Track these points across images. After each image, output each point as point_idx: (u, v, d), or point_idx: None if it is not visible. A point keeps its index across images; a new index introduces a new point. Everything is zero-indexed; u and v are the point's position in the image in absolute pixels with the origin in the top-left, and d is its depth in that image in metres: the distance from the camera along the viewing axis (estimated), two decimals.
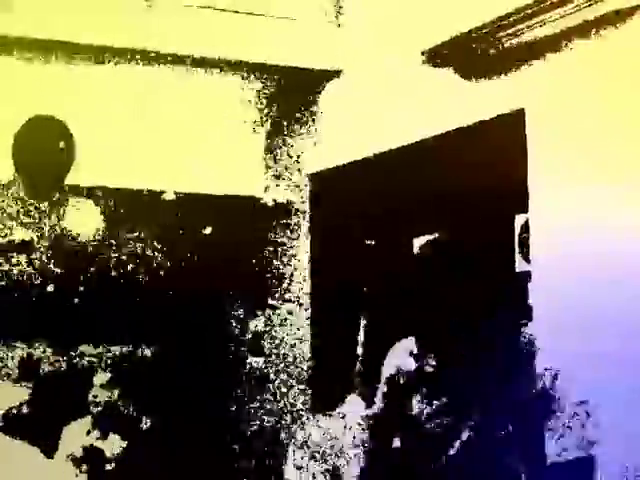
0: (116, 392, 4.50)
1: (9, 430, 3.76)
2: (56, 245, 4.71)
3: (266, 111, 5.18)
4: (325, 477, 2.44)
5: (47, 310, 4.63)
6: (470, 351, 3.19)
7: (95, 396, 4.41)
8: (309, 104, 5.18)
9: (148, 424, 4.47)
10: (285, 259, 5.23)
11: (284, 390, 5.18)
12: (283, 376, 5.21)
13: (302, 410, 5.09)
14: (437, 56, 4.16)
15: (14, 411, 3.58)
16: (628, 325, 3.35)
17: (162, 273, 4.90)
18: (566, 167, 3.66)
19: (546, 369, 3.37)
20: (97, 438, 4.23)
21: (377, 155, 4.66)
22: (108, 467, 4.23)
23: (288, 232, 5.25)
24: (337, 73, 5.02)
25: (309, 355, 5.15)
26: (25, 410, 3.98)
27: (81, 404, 4.36)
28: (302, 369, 5.16)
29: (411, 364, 2.77)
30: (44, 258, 4.68)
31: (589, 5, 3.47)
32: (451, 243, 4.34)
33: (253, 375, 5.17)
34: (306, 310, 5.18)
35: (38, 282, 4.65)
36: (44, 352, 4.50)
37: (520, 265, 3.94)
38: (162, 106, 4.90)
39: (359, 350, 4.40)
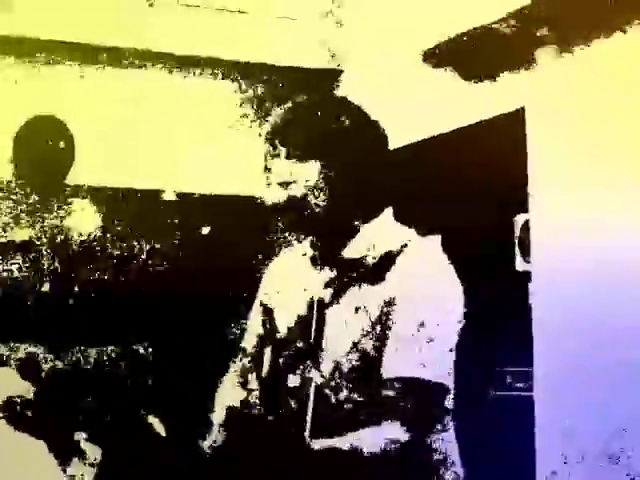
0: (112, 392, 4.50)
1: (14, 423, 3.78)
2: (56, 245, 4.71)
3: (266, 110, 5.18)
4: None
5: (47, 310, 4.63)
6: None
7: (92, 396, 4.40)
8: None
9: (145, 424, 4.46)
10: None
11: None
12: None
13: None
14: (437, 56, 4.16)
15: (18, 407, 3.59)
16: (628, 326, 3.35)
17: (161, 273, 4.90)
18: (567, 167, 3.66)
19: None
20: (89, 438, 4.22)
21: None
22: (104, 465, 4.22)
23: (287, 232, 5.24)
24: (337, 73, 5.02)
25: None
26: (28, 408, 3.98)
27: (80, 403, 4.36)
28: None
29: None
30: (44, 258, 4.67)
31: (589, 4, 3.48)
32: (451, 243, 4.34)
33: None
34: None
35: (38, 282, 4.65)
36: (43, 352, 4.50)
37: (520, 265, 3.94)
38: (162, 106, 4.90)
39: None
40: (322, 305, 2.27)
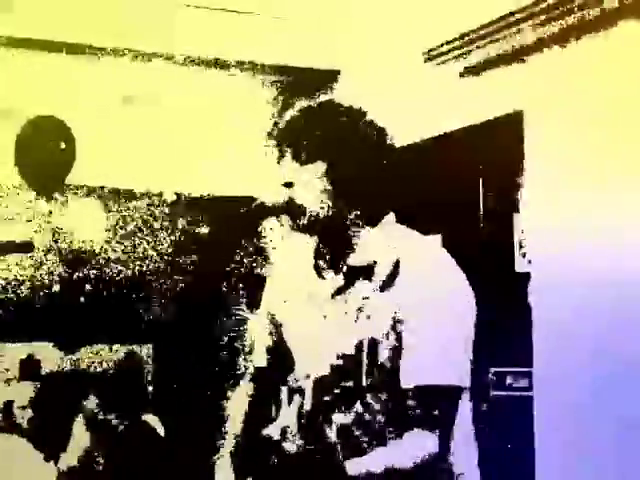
0: (114, 394, 4.51)
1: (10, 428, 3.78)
2: (56, 245, 4.72)
3: (265, 111, 5.19)
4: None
5: (46, 310, 4.63)
6: None
7: (95, 396, 4.41)
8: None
9: (146, 426, 4.47)
10: None
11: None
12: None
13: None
14: (437, 56, 4.16)
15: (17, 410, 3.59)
16: (628, 326, 3.36)
17: (161, 273, 4.91)
18: (565, 168, 3.67)
19: None
20: (96, 438, 4.23)
21: None
22: (106, 466, 4.23)
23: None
24: (337, 73, 5.03)
25: None
26: (29, 409, 3.99)
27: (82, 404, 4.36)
28: None
29: None
30: (44, 258, 4.68)
31: (589, 5, 3.48)
32: (451, 243, 4.34)
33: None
34: None
35: (37, 282, 4.65)
36: (47, 352, 4.51)
37: (520, 265, 3.94)
38: (162, 107, 4.90)
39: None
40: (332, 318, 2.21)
